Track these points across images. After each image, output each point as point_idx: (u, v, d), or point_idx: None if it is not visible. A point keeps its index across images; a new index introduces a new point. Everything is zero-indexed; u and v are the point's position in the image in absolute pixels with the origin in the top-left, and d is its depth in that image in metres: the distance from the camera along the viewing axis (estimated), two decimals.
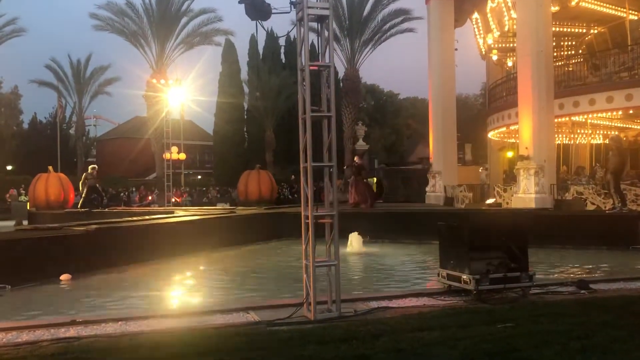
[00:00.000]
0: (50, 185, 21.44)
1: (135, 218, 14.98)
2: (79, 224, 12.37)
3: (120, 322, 5.57)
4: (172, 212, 17.88)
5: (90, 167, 21.71)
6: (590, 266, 10.72)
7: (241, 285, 9.73)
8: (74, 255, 10.38)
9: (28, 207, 22.18)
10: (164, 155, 28.03)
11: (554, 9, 19.40)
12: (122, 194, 32.76)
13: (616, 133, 21.28)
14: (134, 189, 34.52)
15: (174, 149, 29.14)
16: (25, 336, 5.10)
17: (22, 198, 27.71)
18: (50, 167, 22.94)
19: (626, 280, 7.63)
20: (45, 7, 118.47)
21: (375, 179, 36.08)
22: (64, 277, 9.80)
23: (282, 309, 5.87)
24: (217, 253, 13.50)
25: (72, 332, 5.24)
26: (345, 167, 25.10)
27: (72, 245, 10.54)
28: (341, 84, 35.61)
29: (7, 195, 31.36)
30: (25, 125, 49.29)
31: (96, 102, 44.87)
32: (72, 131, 47.08)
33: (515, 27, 20.21)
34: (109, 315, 6.34)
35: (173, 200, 27.20)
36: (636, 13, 21.95)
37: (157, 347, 4.61)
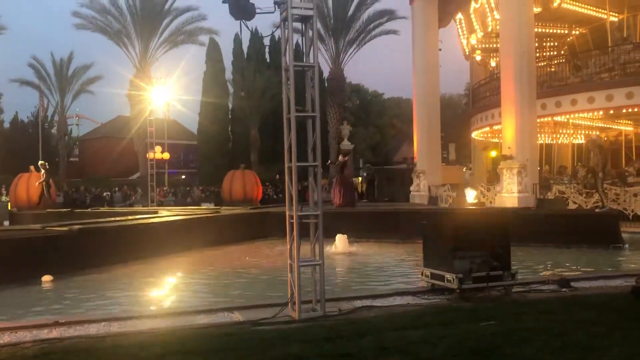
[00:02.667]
0: (31, 185, 21.19)
1: (118, 218, 14.87)
2: (61, 224, 12.25)
3: (103, 323, 5.54)
4: (156, 212, 17.77)
5: (39, 163, 21.55)
6: (572, 264, 10.86)
7: (226, 285, 9.71)
8: (57, 256, 10.27)
9: (9, 208, 21.90)
10: (147, 155, 27.82)
11: (537, 10, 19.62)
12: (105, 194, 32.45)
13: (597, 134, 21.59)
14: (116, 189, 34.21)
15: (158, 148, 28.94)
16: (7, 337, 5.05)
17: (3, 198, 27.31)
18: (31, 167, 22.66)
19: (606, 278, 7.77)
20: (26, 5, 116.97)
21: (360, 179, 36.22)
22: (46, 278, 9.70)
23: (266, 309, 5.88)
24: (202, 253, 13.44)
25: (54, 333, 5.20)
26: (329, 163, 25.03)
27: (54, 246, 10.44)
28: (326, 84, 35.62)
29: None
30: (7, 125, 48.55)
31: (79, 101, 44.21)
32: (54, 130, 46.47)
33: (498, 27, 20.39)
34: (91, 316, 6.30)
35: (157, 200, 27.03)
36: (617, 15, 22.28)
37: (140, 348, 4.58)
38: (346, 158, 20.37)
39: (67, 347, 4.64)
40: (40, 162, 21.61)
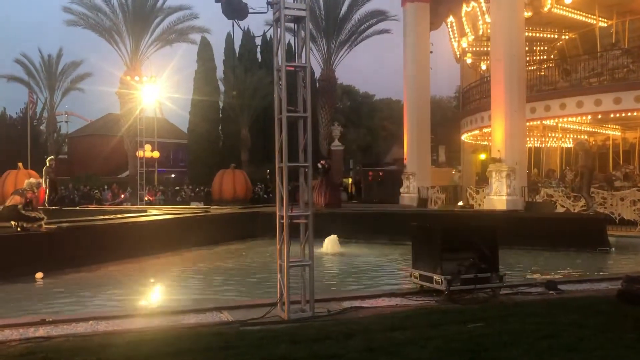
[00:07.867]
0: (19, 182, 20.84)
1: (107, 216, 14.78)
2: (50, 222, 12.14)
3: (91, 322, 5.51)
4: (145, 211, 17.69)
5: (48, 159, 21.02)
6: (559, 267, 10.95)
7: (215, 284, 9.69)
8: (45, 254, 10.20)
9: None
10: (137, 153, 27.69)
11: (527, 14, 19.73)
12: (94, 192, 32.24)
13: (585, 137, 21.78)
14: (106, 187, 34.00)
15: (147, 147, 28.77)
16: None
17: None
18: (20, 164, 22.47)
19: (592, 281, 7.85)
20: (14, 0, 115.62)
21: (350, 180, 36.31)
22: (39, 275, 9.67)
23: (255, 309, 5.88)
24: (191, 252, 13.40)
25: (41, 332, 5.16)
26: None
27: (42, 244, 10.35)
28: (317, 84, 35.65)
29: None
30: None
31: (68, 98, 43.84)
32: (43, 127, 46.11)
33: (489, 31, 20.50)
34: (79, 314, 6.26)
35: (146, 199, 26.90)
36: (606, 20, 22.47)
37: (128, 347, 4.57)
38: (324, 162, 20.34)
39: (53, 346, 4.61)
40: (48, 159, 21.08)
